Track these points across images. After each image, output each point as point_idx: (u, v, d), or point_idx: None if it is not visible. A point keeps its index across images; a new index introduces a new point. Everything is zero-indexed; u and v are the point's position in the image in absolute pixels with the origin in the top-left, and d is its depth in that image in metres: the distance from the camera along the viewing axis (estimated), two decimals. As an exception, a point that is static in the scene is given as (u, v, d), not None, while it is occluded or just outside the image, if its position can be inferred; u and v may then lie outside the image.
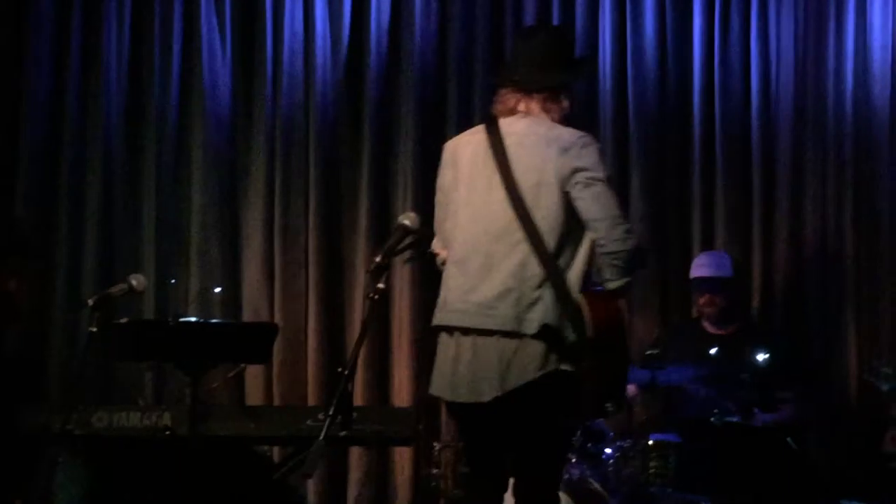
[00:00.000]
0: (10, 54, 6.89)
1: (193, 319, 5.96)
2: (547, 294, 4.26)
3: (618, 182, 6.67)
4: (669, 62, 6.80)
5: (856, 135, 6.67)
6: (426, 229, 4.39)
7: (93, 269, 6.80)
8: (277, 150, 6.86)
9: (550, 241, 4.28)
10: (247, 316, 6.77)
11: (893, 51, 6.64)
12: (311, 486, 6.63)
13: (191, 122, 6.90)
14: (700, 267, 6.38)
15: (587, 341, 4.24)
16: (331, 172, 6.86)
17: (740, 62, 6.78)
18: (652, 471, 5.59)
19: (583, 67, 4.77)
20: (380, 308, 4.27)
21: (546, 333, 4.25)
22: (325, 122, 6.85)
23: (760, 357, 5.97)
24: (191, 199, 6.87)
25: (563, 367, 4.25)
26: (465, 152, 4.47)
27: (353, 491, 6.73)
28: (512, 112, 4.45)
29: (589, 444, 5.75)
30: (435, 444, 6.11)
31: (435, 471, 6.06)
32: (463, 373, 4.34)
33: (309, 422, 5.44)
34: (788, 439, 5.55)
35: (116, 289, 4.98)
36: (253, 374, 6.71)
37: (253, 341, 5.45)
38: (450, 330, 4.38)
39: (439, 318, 4.42)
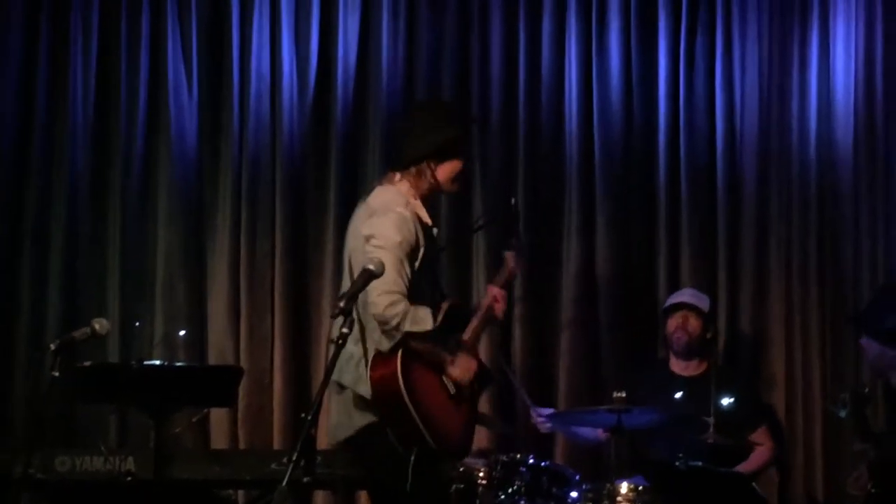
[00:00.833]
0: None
1: (157, 362, 5.94)
2: (356, 351, 4.66)
3: (583, 221, 6.75)
4: (635, 101, 6.84)
5: (820, 176, 6.72)
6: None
7: (57, 311, 6.73)
8: (244, 191, 6.83)
9: (362, 304, 4.57)
10: (212, 359, 6.72)
11: (856, 93, 6.70)
12: (277, 530, 6.57)
13: (157, 163, 6.86)
14: (678, 295, 6.43)
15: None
16: (297, 214, 6.84)
17: (705, 102, 6.83)
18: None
19: (442, 137, 4.84)
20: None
21: (354, 391, 4.67)
22: (291, 164, 6.84)
23: (725, 401, 5.99)
24: (156, 241, 6.83)
25: (371, 422, 4.65)
26: (351, 222, 4.92)
27: (319, 534, 6.70)
28: None
29: (554, 489, 5.72)
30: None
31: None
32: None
33: (274, 465, 5.42)
34: (754, 485, 5.56)
35: (79, 333, 4.94)
36: (218, 418, 6.66)
37: (218, 384, 5.44)
38: None
39: None
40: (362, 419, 4.65)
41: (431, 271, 4.86)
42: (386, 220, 4.67)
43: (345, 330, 4.06)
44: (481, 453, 6.14)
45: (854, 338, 6.26)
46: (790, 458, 6.58)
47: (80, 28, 6.84)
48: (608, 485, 5.61)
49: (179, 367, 5.97)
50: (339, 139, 6.84)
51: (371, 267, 4.23)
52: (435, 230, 4.92)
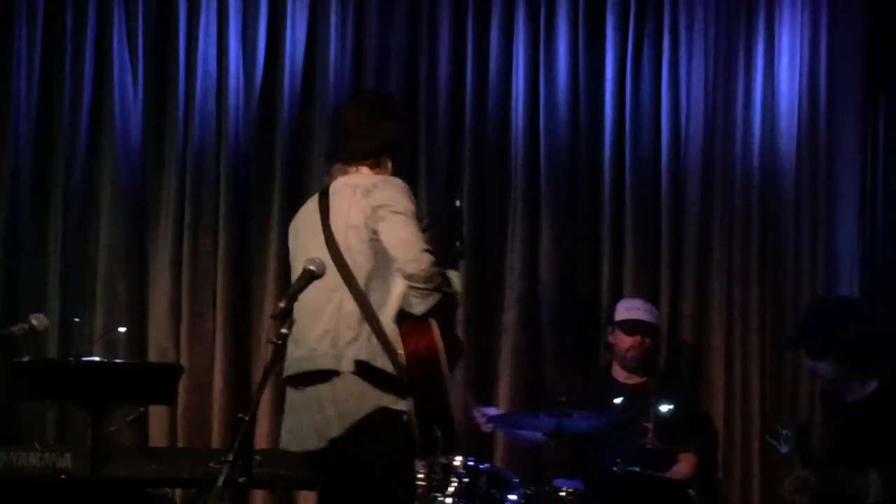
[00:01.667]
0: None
1: (96, 359, 5.89)
2: (363, 331, 4.42)
3: (528, 223, 6.76)
4: (581, 105, 6.88)
5: (762, 183, 6.78)
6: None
7: (-4, 306, 6.69)
8: (188, 188, 6.79)
9: (363, 280, 4.44)
10: (153, 356, 6.68)
11: (800, 102, 6.76)
12: (215, 530, 6.55)
13: (100, 158, 6.81)
14: (634, 310, 6.41)
15: (405, 374, 4.38)
16: (241, 212, 6.81)
17: (651, 108, 6.87)
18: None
19: (400, 124, 4.77)
20: (285, 352, 4.34)
21: (363, 370, 4.39)
22: (236, 162, 6.80)
23: (664, 408, 6.02)
24: (98, 237, 6.78)
25: (386, 403, 4.38)
26: (301, 219, 4.71)
27: (257, 534, 6.68)
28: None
29: (493, 490, 5.73)
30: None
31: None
32: (290, 423, 4.56)
33: (212, 464, 5.37)
34: (689, 491, 5.59)
35: (17, 328, 4.92)
36: (157, 416, 6.62)
37: (157, 382, 5.40)
38: (288, 380, 4.56)
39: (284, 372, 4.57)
40: (378, 399, 4.39)
41: None
42: (393, 190, 4.51)
43: (284, 330, 4.04)
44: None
45: (793, 353, 6.33)
46: (728, 466, 6.63)
47: (24, 21, 6.77)
48: (546, 488, 5.63)
49: (118, 363, 5.93)
50: (284, 138, 6.82)
51: (312, 268, 4.20)
52: None
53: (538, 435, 6.07)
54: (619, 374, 6.42)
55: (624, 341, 6.36)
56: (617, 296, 6.72)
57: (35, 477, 5.26)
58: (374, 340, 4.41)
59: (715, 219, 6.80)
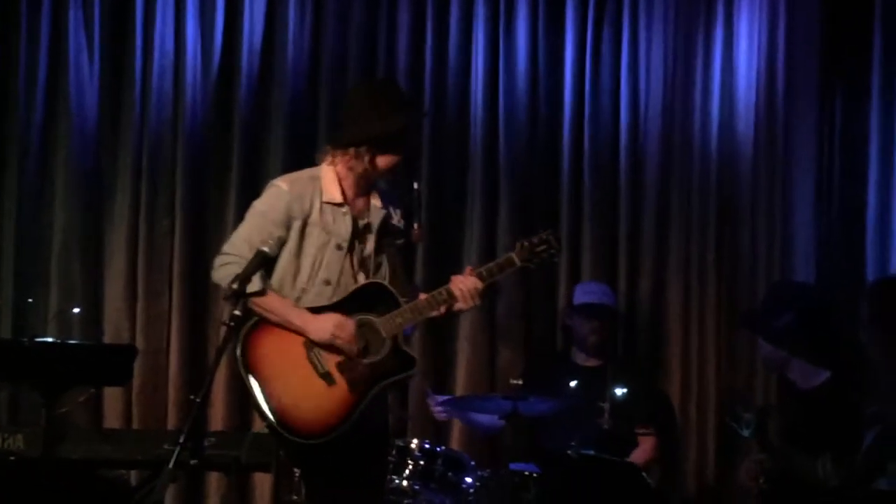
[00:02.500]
0: None
1: (50, 339, 5.86)
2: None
3: (486, 206, 6.76)
4: (540, 89, 6.88)
5: (720, 168, 6.81)
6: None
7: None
8: (144, 168, 6.75)
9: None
10: (108, 337, 6.65)
11: (758, 87, 6.78)
12: (169, 512, 6.54)
13: (55, 138, 6.76)
14: (590, 294, 6.42)
15: None
16: (198, 193, 6.77)
17: (610, 92, 6.87)
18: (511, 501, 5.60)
19: (385, 128, 4.68)
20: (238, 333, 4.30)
21: None
22: (193, 142, 6.76)
23: (619, 391, 6.03)
24: (53, 217, 6.73)
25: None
26: None
27: (211, 517, 6.66)
28: None
29: (450, 473, 5.73)
30: (296, 470, 6.04)
31: (295, 497, 5.99)
32: None
33: (167, 446, 5.32)
34: (644, 474, 5.61)
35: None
36: (112, 397, 6.59)
37: (111, 363, 5.37)
38: None
39: None
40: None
41: (343, 250, 4.67)
42: (264, 193, 4.71)
43: (236, 312, 4.03)
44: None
45: (748, 333, 6.35)
46: (684, 449, 6.65)
47: (-23, 1, 6.73)
48: (501, 471, 5.63)
49: (72, 344, 5.88)
50: (242, 118, 6.78)
51: (265, 249, 4.20)
52: (345, 209, 4.71)
53: (496, 420, 6.07)
54: (578, 356, 6.43)
55: (582, 325, 6.37)
56: (575, 279, 6.72)
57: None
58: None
59: (673, 203, 6.82)
